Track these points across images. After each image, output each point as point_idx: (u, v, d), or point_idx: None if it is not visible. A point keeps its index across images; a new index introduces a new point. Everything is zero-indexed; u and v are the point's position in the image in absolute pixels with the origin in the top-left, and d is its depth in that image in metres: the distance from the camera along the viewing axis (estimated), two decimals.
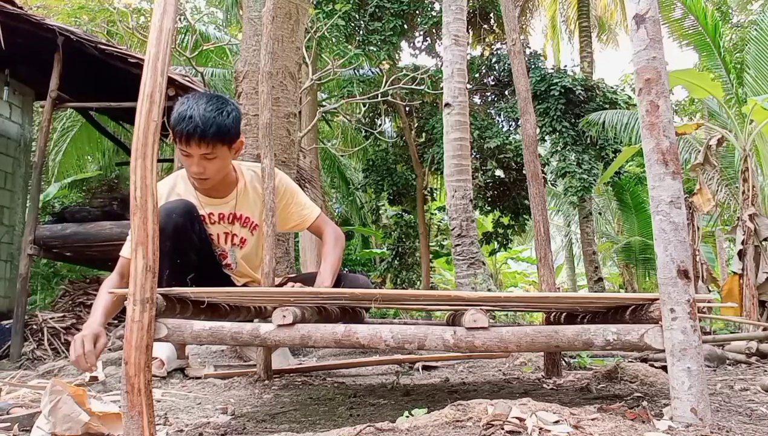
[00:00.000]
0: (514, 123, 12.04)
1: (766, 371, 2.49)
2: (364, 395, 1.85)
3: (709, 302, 1.96)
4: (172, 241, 1.95)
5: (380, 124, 13.42)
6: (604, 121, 9.60)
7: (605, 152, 11.24)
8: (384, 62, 11.39)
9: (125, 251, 2.07)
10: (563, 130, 10.83)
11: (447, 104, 6.39)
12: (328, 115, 11.91)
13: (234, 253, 2.28)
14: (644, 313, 1.35)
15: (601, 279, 12.22)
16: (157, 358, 2.19)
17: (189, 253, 2.03)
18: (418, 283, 13.08)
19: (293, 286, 2.04)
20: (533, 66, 11.24)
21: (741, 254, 4.35)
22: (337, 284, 2.22)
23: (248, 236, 2.31)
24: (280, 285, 2.18)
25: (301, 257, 9.73)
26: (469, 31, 11.89)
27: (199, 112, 1.96)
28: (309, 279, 2.30)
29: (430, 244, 13.94)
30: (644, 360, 2.59)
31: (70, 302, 4.30)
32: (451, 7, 6.55)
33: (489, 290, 6.06)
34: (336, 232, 2.32)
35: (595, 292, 10.91)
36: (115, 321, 4.26)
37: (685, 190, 2.89)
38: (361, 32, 10.95)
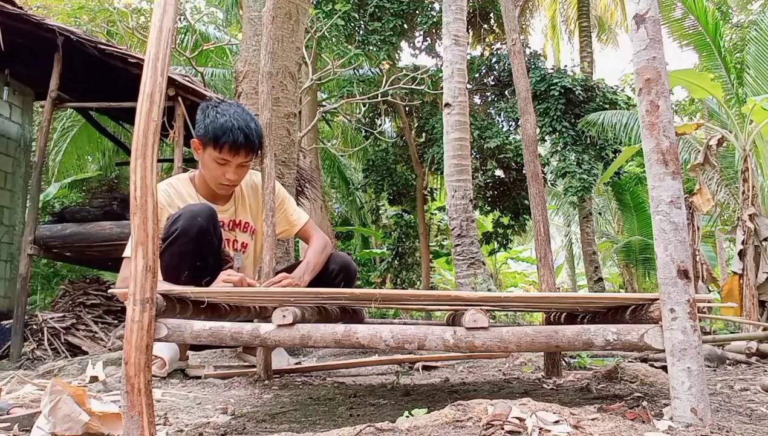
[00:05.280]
0: (514, 123, 12.04)
1: (766, 371, 2.49)
2: (364, 395, 1.85)
3: (709, 302, 1.95)
4: (196, 243, 1.98)
5: (380, 124, 13.42)
6: (603, 122, 9.61)
7: (605, 152, 11.24)
8: (384, 62, 11.38)
9: (127, 251, 2.08)
10: (563, 130, 10.83)
11: (447, 104, 6.40)
12: (328, 115, 11.92)
13: (240, 257, 2.31)
14: (644, 313, 1.35)
15: (601, 279, 12.22)
16: (159, 358, 2.19)
17: (209, 256, 2.06)
18: (418, 283, 13.08)
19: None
20: (533, 66, 11.23)
21: (741, 254, 4.35)
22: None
23: (249, 241, 2.36)
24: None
25: (301, 257, 9.72)
26: (469, 31, 11.89)
27: (245, 124, 2.10)
28: (294, 267, 2.33)
29: (430, 244, 13.93)
30: (644, 360, 2.59)
31: (70, 302, 4.29)
32: (451, 7, 6.56)
33: (489, 290, 6.05)
34: (325, 239, 2.37)
35: (595, 292, 10.91)
36: (115, 321, 4.26)
37: (685, 190, 2.89)
38: (360, 32, 10.95)
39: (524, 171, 3.54)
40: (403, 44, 12.10)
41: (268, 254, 2.08)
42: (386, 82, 7.91)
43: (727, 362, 2.75)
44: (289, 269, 2.33)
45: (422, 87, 9.07)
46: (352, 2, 10.29)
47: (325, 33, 8.69)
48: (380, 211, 15.22)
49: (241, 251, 2.33)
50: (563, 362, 2.47)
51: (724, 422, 1.20)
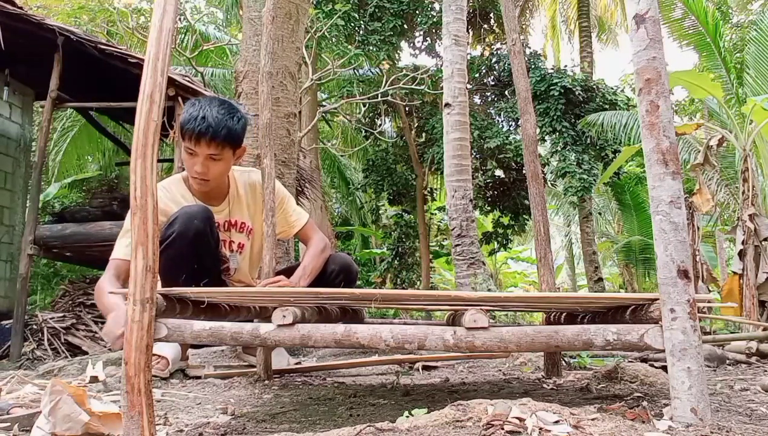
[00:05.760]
0: (514, 123, 12.04)
1: (766, 371, 2.49)
2: (364, 395, 1.85)
3: (709, 302, 1.96)
4: (193, 245, 1.96)
5: (380, 124, 13.42)
6: (602, 122, 9.62)
7: (605, 152, 11.25)
8: (384, 62, 11.38)
9: (120, 253, 2.04)
10: (563, 130, 10.83)
11: (447, 104, 6.40)
12: (328, 115, 11.92)
13: (235, 258, 2.29)
14: (644, 313, 1.35)
15: (601, 279, 12.22)
16: (163, 358, 2.19)
17: (206, 258, 2.05)
18: (418, 283, 13.08)
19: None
20: (533, 66, 11.23)
21: (741, 254, 4.36)
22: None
23: (245, 241, 2.33)
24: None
25: (301, 257, 9.72)
26: (469, 31, 11.88)
27: (212, 114, 2.04)
28: (293, 269, 2.32)
29: (430, 244, 13.94)
30: (644, 360, 2.59)
31: (70, 302, 4.29)
32: (451, 7, 6.56)
33: (489, 290, 6.06)
34: (324, 241, 2.34)
35: (595, 292, 10.91)
36: None
37: (685, 190, 2.89)
38: (360, 32, 10.95)
39: (524, 171, 3.54)
40: (403, 44, 12.09)
41: (268, 254, 2.08)
42: (386, 82, 7.91)
43: (727, 362, 2.74)
44: (288, 271, 2.32)
45: (422, 87, 9.07)
46: (352, 2, 10.29)
47: (325, 33, 8.69)
48: (380, 211, 15.21)
49: (237, 251, 2.31)
50: (563, 362, 2.47)
51: (724, 422, 1.20)
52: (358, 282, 2.56)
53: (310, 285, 2.20)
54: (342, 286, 2.29)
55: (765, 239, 4.28)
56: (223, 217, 2.26)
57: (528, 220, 11.91)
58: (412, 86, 8.38)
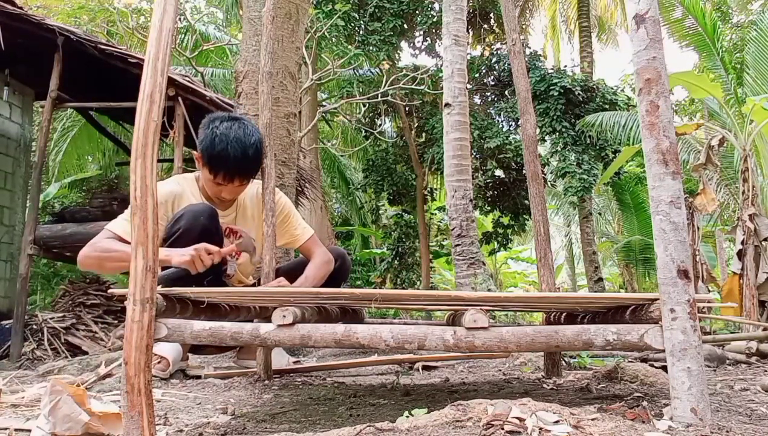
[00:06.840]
0: (514, 123, 12.03)
1: (766, 371, 2.49)
2: (364, 395, 1.85)
3: (709, 302, 1.96)
4: (199, 242, 1.97)
5: (380, 124, 13.41)
6: (601, 123, 9.62)
7: (605, 153, 11.24)
8: (384, 62, 11.38)
9: (116, 227, 2.04)
10: (563, 130, 10.82)
11: (447, 104, 6.40)
12: (328, 115, 11.92)
13: (233, 265, 2.31)
14: (644, 313, 1.35)
15: (601, 279, 12.21)
16: (164, 358, 2.19)
17: None
18: (418, 283, 13.07)
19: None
20: (533, 66, 11.22)
21: (741, 254, 4.36)
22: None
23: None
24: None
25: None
26: (469, 31, 11.88)
27: (241, 152, 2.06)
28: (296, 268, 2.33)
29: (430, 244, 13.92)
30: (644, 360, 2.59)
31: (70, 302, 4.29)
32: (451, 7, 6.56)
33: (489, 290, 6.06)
34: (327, 255, 2.37)
35: (595, 292, 10.90)
36: (115, 321, 4.26)
37: (685, 191, 2.89)
38: (360, 32, 10.95)
39: (524, 171, 3.54)
40: (403, 44, 12.08)
41: (268, 254, 2.08)
42: (386, 82, 7.91)
43: (727, 362, 2.75)
44: (288, 271, 2.33)
45: (422, 87, 9.07)
46: (352, 2, 10.29)
47: (325, 33, 8.69)
48: (380, 211, 15.20)
49: (235, 258, 2.33)
50: (563, 362, 2.47)
51: (724, 422, 1.20)
52: (358, 282, 2.58)
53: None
54: (337, 271, 2.35)
55: (765, 239, 4.28)
56: (228, 222, 2.30)
57: (528, 220, 11.90)
58: (412, 86, 8.38)
